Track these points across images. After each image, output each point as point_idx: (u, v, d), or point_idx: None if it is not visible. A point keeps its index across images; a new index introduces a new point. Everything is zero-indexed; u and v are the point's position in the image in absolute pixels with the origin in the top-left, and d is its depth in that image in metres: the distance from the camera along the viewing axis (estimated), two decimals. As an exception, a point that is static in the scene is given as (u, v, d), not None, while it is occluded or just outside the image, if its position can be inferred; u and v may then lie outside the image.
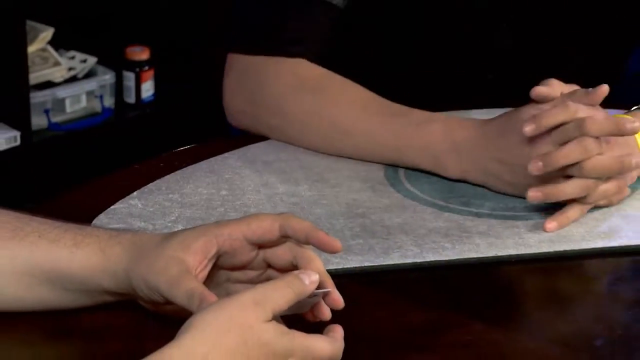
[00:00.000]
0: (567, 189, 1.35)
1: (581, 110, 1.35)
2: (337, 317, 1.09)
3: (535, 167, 1.33)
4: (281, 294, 1.07)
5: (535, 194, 1.34)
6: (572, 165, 1.34)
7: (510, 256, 1.31)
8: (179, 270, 1.10)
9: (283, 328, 1.04)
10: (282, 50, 1.54)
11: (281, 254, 1.14)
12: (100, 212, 1.35)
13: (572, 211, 1.35)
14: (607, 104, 1.41)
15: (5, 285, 1.15)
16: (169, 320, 1.11)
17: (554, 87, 1.41)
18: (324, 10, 1.55)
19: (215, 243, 1.12)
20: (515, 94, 1.42)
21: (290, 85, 1.52)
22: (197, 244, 1.12)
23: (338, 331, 1.07)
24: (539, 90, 1.40)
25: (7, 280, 1.15)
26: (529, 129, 1.34)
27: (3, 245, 1.15)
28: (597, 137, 1.34)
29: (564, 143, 1.34)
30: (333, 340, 1.06)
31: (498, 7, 1.64)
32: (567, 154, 1.34)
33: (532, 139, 1.35)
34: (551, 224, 1.34)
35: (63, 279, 1.15)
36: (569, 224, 1.35)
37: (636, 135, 1.42)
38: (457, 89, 1.67)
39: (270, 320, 1.04)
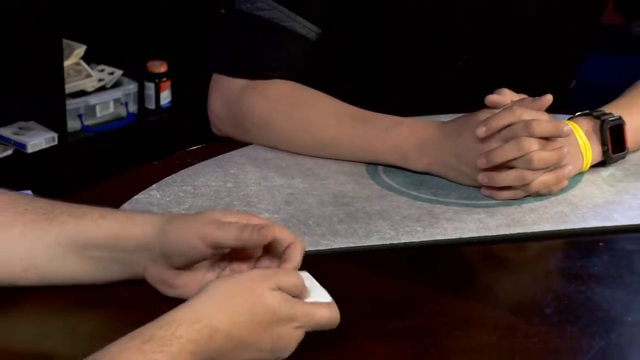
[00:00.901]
0: (506, 177, 1.37)
1: (526, 114, 1.36)
2: (327, 289, 1.08)
3: (480, 163, 1.36)
4: (287, 272, 1.05)
5: (482, 178, 1.37)
6: (517, 159, 1.35)
7: (472, 238, 1.30)
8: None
9: (286, 296, 1.03)
10: (261, 74, 1.53)
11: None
12: (125, 202, 1.34)
13: (508, 174, 1.37)
14: (554, 110, 1.41)
15: (39, 259, 1.14)
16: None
17: (505, 95, 1.42)
18: (299, 43, 1.54)
19: None
20: (475, 102, 1.41)
21: (269, 104, 1.51)
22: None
23: (330, 299, 1.06)
24: (492, 98, 1.41)
25: (40, 254, 1.14)
26: (481, 131, 1.37)
27: (37, 226, 1.14)
28: (544, 138, 1.35)
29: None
30: (331, 306, 1.05)
31: (459, 32, 1.63)
32: (504, 153, 1.36)
33: (484, 138, 1.37)
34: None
35: (90, 247, 1.13)
36: (499, 182, 1.36)
37: (578, 138, 1.42)
38: (423, 97, 1.66)
39: (275, 290, 1.03)
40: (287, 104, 1.51)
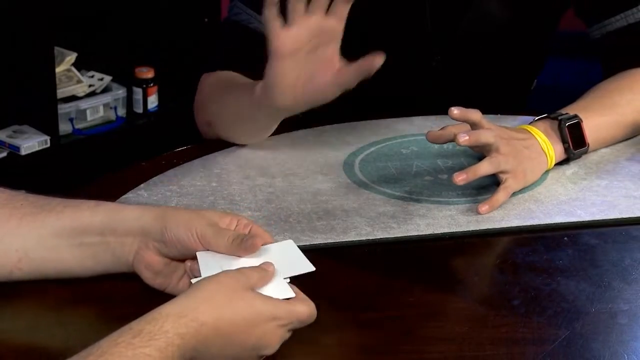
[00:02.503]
0: (481, 167, 1.35)
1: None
2: (306, 282, 1.08)
3: (460, 179, 1.32)
4: (258, 271, 1.05)
5: (460, 177, 1.33)
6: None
7: (444, 234, 1.30)
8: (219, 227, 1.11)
9: (266, 296, 1.02)
10: (218, 68, 1.55)
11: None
12: (114, 201, 1.33)
13: (500, 195, 1.35)
14: (517, 111, 1.41)
15: (33, 250, 1.12)
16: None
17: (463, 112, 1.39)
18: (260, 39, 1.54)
19: None
20: (450, 101, 1.41)
21: (204, 90, 1.54)
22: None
23: (298, 291, 1.06)
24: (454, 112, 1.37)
25: (34, 244, 1.12)
26: (460, 179, 1.33)
27: (33, 218, 1.13)
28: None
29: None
30: (308, 302, 1.04)
31: (429, 36, 1.63)
32: (482, 167, 1.35)
33: None
34: (484, 207, 1.34)
35: (84, 233, 1.12)
36: (498, 206, 1.34)
37: (538, 139, 1.42)
38: (401, 97, 1.66)
39: (254, 291, 1.02)
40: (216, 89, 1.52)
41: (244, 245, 1.09)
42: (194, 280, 1.07)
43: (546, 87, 1.89)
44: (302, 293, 1.06)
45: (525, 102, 1.80)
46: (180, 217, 1.11)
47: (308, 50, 1.32)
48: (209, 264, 1.08)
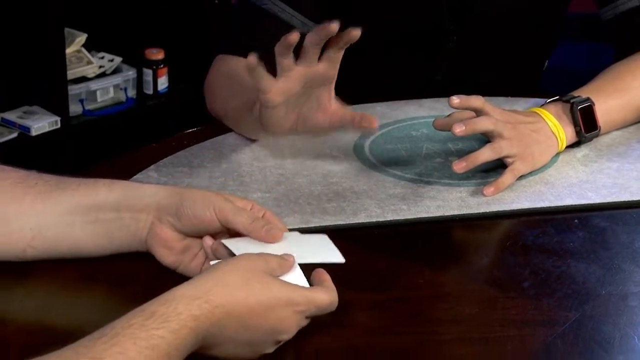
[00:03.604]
0: (482, 154, 1.34)
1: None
2: (317, 264, 1.08)
3: (459, 167, 1.32)
4: (278, 258, 1.04)
5: (460, 165, 1.33)
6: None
7: (454, 216, 1.30)
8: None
9: (283, 281, 1.01)
10: (228, 50, 1.54)
11: None
12: (124, 182, 1.34)
13: (506, 177, 1.35)
14: (529, 93, 1.41)
15: (47, 227, 1.12)
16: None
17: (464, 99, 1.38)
18: (278, 25, 1.53)
19: None
20: (466, 82, 1.40)
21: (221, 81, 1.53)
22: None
23: (327, 279, 1.04)
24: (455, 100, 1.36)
25: (49, 222, 1.12)
26: (460, 166, 1.33)
27: (48, 196, 1.13)
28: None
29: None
30: (329, 290, 1.03)
31: (449, 21, 1.63)
32: (482, 154, 1.34)
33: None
34: (489, 189, 1.33)
35: (99, 209, 1.11)
36: (504, 189, 1.34)
37: (548, 122, 1.42)
38: (418, 78, 1.66)
39: (272, 276, 1.01)
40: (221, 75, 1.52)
41: (268, 230, 1.08)
42: (212, 262, 1.07)
43: (559, 69, 1.88)
44: (330, 281, 1.04)
45: (538, 84, 1.79)
46: (197, 193, 1.11)
47: (301, 94, 1.29)
48: (240, 249, 1.07)
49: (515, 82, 1.69)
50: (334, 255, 1.09)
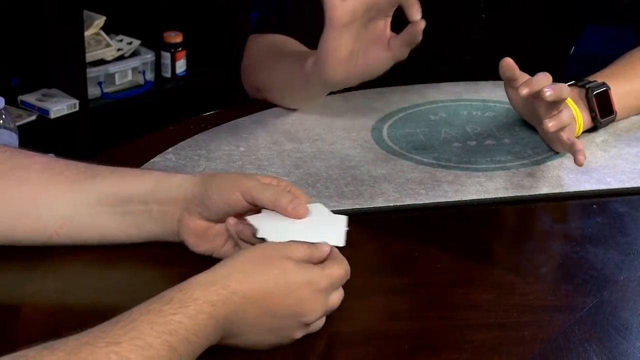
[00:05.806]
0: (564, 118, 1.33)
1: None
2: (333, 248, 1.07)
3: (550, 126, 1.32)
4: (300, 245, 1.03)
5: (551, 124, 1.31)
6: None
7: (472, 200, 1.30)
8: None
9: (299, 263, 1.00)
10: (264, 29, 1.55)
11: None
12: (142, 164, 1.34)
13: (565, 113, 1.34)
14: (555, 78, 1.39)
15: (78, 216, 1.12)
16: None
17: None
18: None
19: None
20: (486, 73, 1.40)
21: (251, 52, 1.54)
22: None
23: (333, 250, 1.03)
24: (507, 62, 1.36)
25: (79, 211, 1.12)
26: (524, 91, 1.31)
27: (78, 184, 1.12)
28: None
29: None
30: (339, 260, 1.03)
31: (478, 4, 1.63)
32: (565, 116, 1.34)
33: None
34: (551, 122, 1.32)
35: (128, 202, 1.11)
36: (562, 124, 1.33)
37: (570, 106, 1.41)
38: (448, 56, 1.65)
39: (291, 260, 1.00)
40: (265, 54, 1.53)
41: (294, 207, 1.06)
42: (243, 245, 1.07)
43: (582, 55, 1.87)
44: (336, 251, 1.04)
45: (564, 68, 1.78)
46: (221, 177, 1.11)
47: (362, 24, 1.30)
48: (263, 224, 1.06)
49: (542, 66, 1.68)
50: (337, 238, 1.06)
